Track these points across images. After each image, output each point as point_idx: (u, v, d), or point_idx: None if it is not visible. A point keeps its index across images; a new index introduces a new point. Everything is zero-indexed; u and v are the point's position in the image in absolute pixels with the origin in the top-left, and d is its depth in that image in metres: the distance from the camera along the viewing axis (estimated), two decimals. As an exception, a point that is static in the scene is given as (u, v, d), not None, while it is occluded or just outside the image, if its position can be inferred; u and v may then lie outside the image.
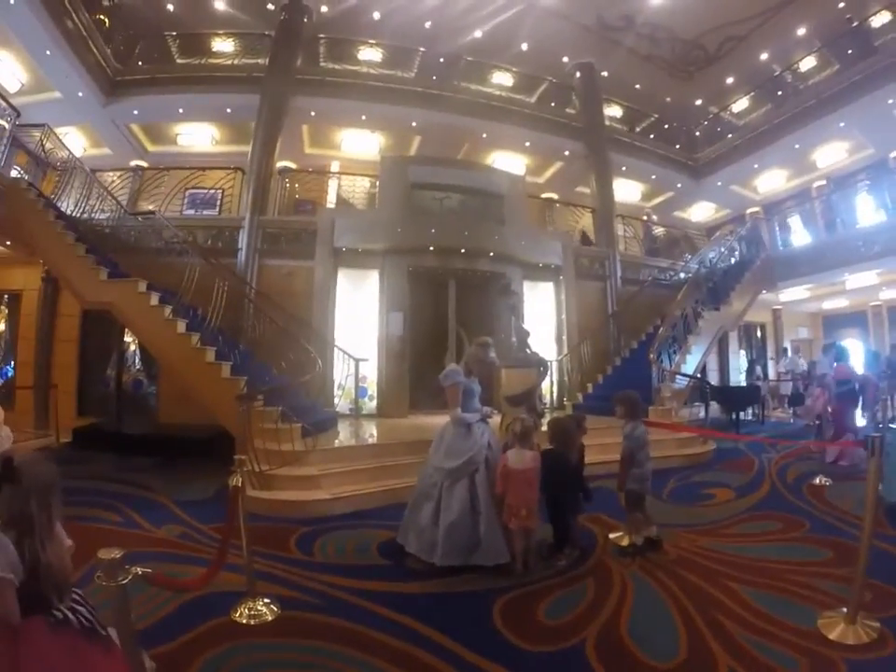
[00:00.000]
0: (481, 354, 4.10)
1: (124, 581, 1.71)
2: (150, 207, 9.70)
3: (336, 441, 6.94)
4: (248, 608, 3.08)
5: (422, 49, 12.71)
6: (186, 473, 6.63)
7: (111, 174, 10.78)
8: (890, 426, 6.41)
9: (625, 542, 4.24)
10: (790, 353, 13.17)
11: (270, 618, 3.04)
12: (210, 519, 4.70)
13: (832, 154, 13.57)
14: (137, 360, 9.94)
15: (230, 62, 11.86)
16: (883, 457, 3.04)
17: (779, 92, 13.67)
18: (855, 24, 11.71)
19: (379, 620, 3.04)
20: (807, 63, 13.10)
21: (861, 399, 7.76)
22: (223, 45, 12.32)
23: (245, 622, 2.98)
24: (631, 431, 4.27)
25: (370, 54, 12.79)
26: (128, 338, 9.66)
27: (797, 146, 13.15)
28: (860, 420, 8.00)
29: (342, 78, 11.79)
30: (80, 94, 10.53)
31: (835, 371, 7.57)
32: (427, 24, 12.03)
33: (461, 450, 3.86)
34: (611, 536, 4.41)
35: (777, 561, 3.79)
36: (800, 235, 13.18)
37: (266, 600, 3.17)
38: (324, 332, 9.23)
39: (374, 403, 9.58)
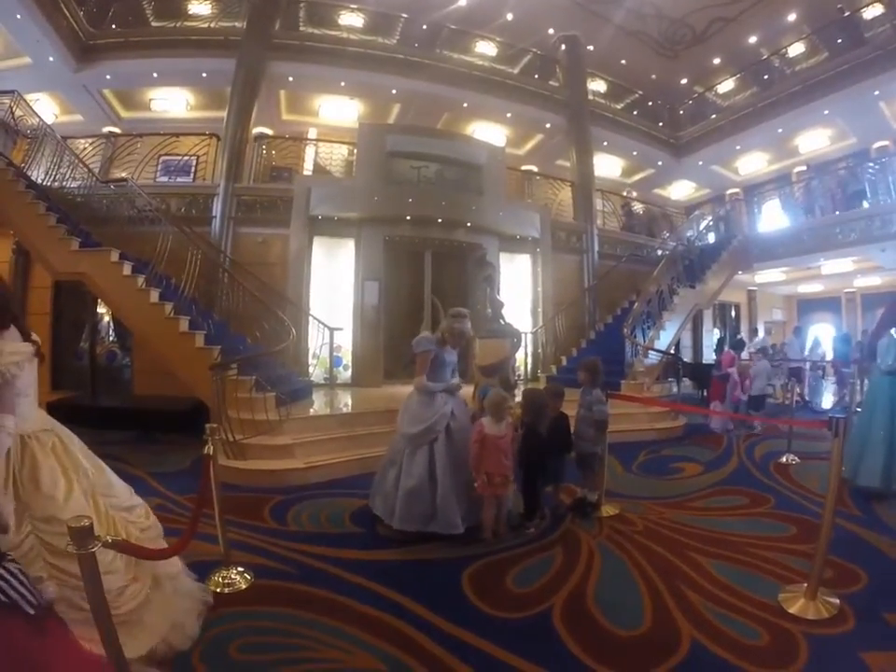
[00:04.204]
0: (455, 325, 4.08)
1: (93, 549, 1.70)
2: (123, 175, 9.43)
3: (310, 410, 6.92)
4: (223, 577, 3.10)
5: (405, 15, 12.42)
6: (162, 445, 6.60)
7: (83, 141, 10.41)
8: (857, 409, 6.58)
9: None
10: (761, 333, 13.42)
11: (244, 586, 3.07)
12: (186, 490, 4.69)
13: (814, 140, 13.70)
14: (111, 332, 9.79)
15: (206, 25, 11.46)
16: (848, 440, 3.13)
17: (765, 76, 13.64)
18: (846, 14, 11.68)
19: (351, 587, 3.09)
20: (796, 49, 13.06)
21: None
22: (199, 7, 11.89)
23: (219, 590, 3.00)
24: (598, 398, 4.45)
25: (351, 19, 12.45)
26: (101, 309, 9.49)
27: (780, 130, 13.24)
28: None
29: (321, 43, 11.50)
30: (51, 59, 10.16)
31: (723, 357, 8.34)
32: (411, -10, 11.75)
33: (423, 417, 3.88)
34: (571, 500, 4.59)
35: (742, 535, 3.87)
36: (778, 218, 13.29)
37: (240, 569, 3.19)
38: (299, 301, 9.18)
39: (349, 373, 9.60)
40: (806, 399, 10.58)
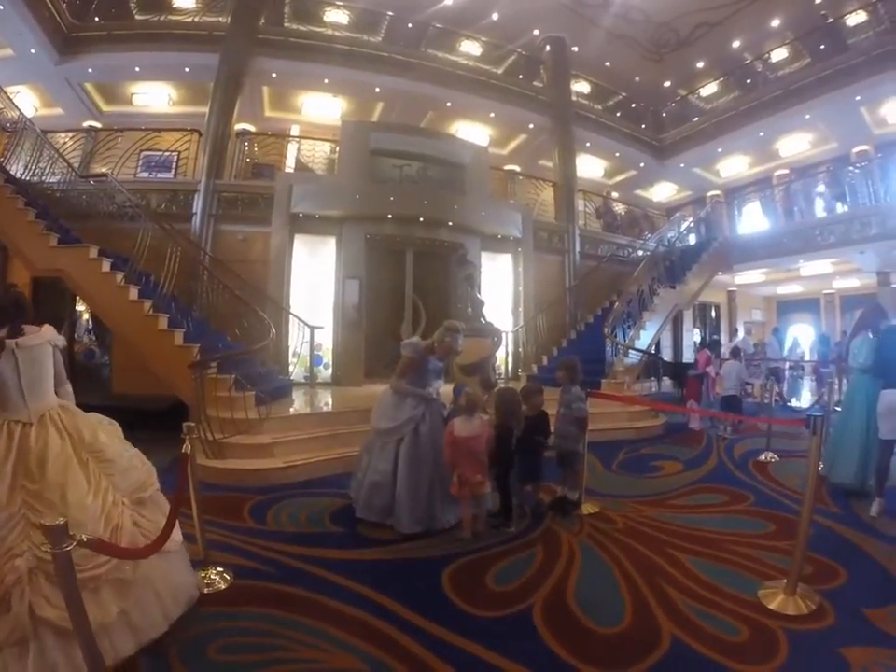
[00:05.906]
0: (446, 338, 4.07)
1: (68, 548, 1.68)
2: (103, 170, 9.28)
3: (290, 409, 6.89)
4: (202, 577, 3.05)
5: (390, 13, 12.40)
6: (141, 444, 6.43)
7: (63, 135, 10.28)
8: (835, 408, 6.68)
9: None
10: (741, 333, 13.59)
11: (223, 587, 3.03)
12: (165, 489, 4.61)
13: (795, 144, 13.91)
14: (90, 329, 9.62)
15: (190, 19, 11.35)
16: (828, 439, 3.15)
17: (748, 80, 13.87)
18: (829, 21, 11.90)
19: (332, 587, 3.06)
20: (779, 54, 13.30)
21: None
22: (184, 1, 11.78)
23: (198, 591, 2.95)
24: (578, 395, 4.49)
25: (336, 16, 12.42)
26: (80, 306, 9.31)
27: (762, 133, 13.42)
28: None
29: (306, 40, 11.44)
30: (33, 51, 10.04)
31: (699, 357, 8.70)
32: (398, -12, 11.73)
33: (392, 416, 4.01)
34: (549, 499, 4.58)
35: (722, 532, 3.90)
36: (758, 221, 13.46)
37: (219, 569, 3.15)
38: (279, 299, 9.14)
39: (329, 372, 9.57)
40: (785, 398, 10.70)
